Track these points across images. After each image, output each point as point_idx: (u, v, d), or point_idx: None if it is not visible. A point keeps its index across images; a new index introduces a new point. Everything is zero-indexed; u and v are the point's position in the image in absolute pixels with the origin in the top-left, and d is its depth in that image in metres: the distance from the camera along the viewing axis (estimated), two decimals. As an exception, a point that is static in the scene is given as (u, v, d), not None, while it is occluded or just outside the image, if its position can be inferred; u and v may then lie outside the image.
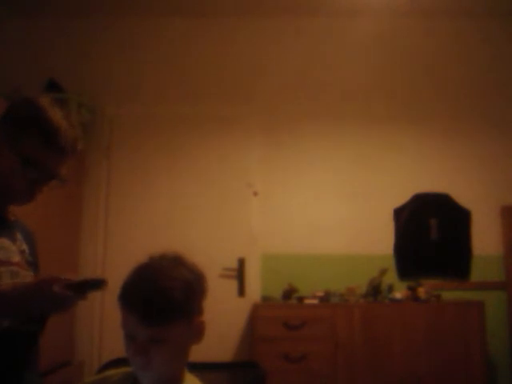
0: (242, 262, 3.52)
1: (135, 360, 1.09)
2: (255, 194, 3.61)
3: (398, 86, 3.74)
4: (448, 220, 3.55)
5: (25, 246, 1.39)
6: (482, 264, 3.49)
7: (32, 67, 3.61)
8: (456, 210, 3.56)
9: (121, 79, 3.74)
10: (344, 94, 3.73)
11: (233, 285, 3.50)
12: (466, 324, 3.03)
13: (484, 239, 3.52)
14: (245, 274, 3.51)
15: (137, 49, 3.78)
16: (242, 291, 3.50)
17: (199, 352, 1.22)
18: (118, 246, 3.54)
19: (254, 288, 3.48)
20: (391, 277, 3.37)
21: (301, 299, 3.19)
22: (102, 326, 3.46)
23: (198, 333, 1.15)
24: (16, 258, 1.32)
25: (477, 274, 3.49)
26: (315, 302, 3.16)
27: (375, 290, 3.23)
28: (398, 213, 3.57)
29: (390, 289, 3.26)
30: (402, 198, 3.58)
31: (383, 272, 3.28)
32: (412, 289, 3.23)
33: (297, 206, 3.59)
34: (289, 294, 3.26)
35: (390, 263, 3.47)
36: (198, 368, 1.21)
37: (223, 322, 3.26)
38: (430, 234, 3.52)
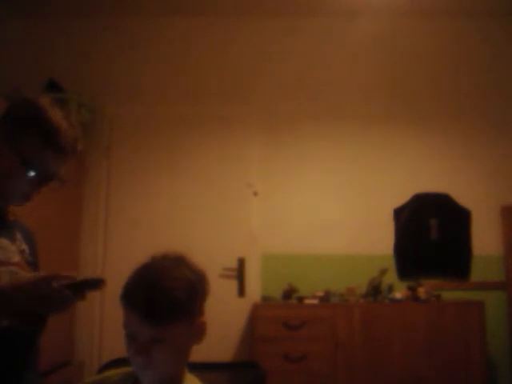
0: (242, 262, 3.52)
1: (136, 360, 1.09)
2: (255, 193, 3.61)
3: (398, 86, 3.74)
4: (448, 220, 3.55)
5: (24, 246, 1.38)
6: (481, 264, 3.49)
7: (32, 67, 3.61)
8: (456, 210, 3.56)
9: (121, 79, 3.74)
10: (344, 94, 3.73)
11: (233, 285, 3.50)
12: (466, 324, 3.03)
13: (484, 239, 3.52)
14: (245, 274, 3.51)
15: (137, 49, 3.78)
16: (242, 291, 3.50)
17: (199, 352, 1.22)
18: (118, 246, 3.54)
19: (254, 288, 3.48)
20: (391, 277, 3.37)
21: (301, 299, 3.19)
22: (102, 326, 3.46)
23: (199, 333, 1.15)
24: (15, 258, 1.31)
25: (477, 274, 3.49)
26: (315, 302, 3.16)
27: (375, 290, 3.24)
28: (398, 213, 3.57)
29: (390, 289, 3.26)
30: (402, 197, 3.58)
31: (383, 272, 3.28)
32: (412, 289, 3.23)
33: (297, 206, 3.59)
34: (289, 293, 3.26)
35: (390, 263, 3.47)
36: (198, 368, 1.21)
37: (223, 322, 3.25)
38: (430, 234, 3.52)
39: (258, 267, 3.52)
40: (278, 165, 3.66)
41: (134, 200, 3.61)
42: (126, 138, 3.69)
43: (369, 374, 2.97)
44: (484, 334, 3.00)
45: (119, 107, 3.71)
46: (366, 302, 3.19)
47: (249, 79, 3.76)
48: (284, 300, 3.26)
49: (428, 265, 3.51)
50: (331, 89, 3.73)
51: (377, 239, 3.52)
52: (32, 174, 1.28)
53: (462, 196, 3.56)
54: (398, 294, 3.21)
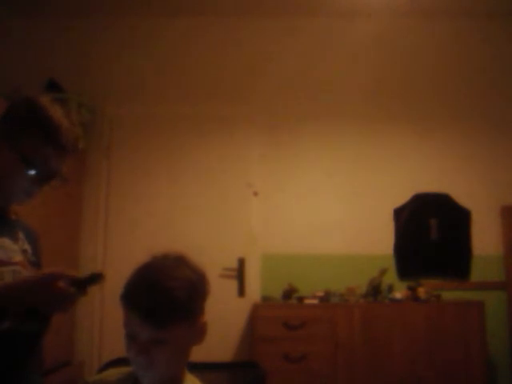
0: (242, 262, 3.52)
1: (137, 360, 1.09)
2: (255, 193, 3.61)
3: (397, 86, 3.74)
4: (448, 220, 3.55)
5: (27, 246, 1.38)
6: (481, 264, 3.49)
7: (32, 67, 3.61)
8: (456, 210, 3.56)
9: (121, 79, 3.74)
10: (344, 94, 3.73)
11: (233, 285, 3.50)
12: (466, 324, 3.03)
13: (484, 239, 3.52)
14: (245, 274, 3.51)
15: (137, 49, 3.78)
16: (242, 291, 3.50)
17: (199, 352, 1.22)
18: (118, 246, 3.54)
19: (254, 288, 3.48)
20: (391, 277, 3.37)
21: (301, 299, 3.19)
22: (102, 326, 3.46)
23: (200, 333, 1.15)
24: (18, 258, 1.31)
25: (477, 274, 3.49)
26: (315, 302, 3.16)
27: (375, 290, 3.23)
28: (398, 213, 3.57)
29: (390, 289, 3.26)
30: (402, 197, 3.58)
31: (383, 272, 3.28)
32: (412, 289, 3.22)
33: (297, 206, 3.59)
34: (289, 293, 3.26)
35: (390, 263, 3.47)
36: (199, 368, 1.21)
37: (223, 322, 3.25)
38: (430, 234, 3.52)
39: (257, 267, 3.52)
40: (278, 165, 3.66)
41: (134, 200, 3.61)
42: (126, 138, 3.69)
43: (369, 374, 2.97)
44: (484, 334, 3.00)
45: (119, 107, 3.71)
46: (365, 302, 3.19)
47: (249, 79, 3.76)
48: (284, 300, 3.26)
49: (428, 265, 3.51)
50: (331, 89, 3.73)
51: (377, 239, 3.52)
52: (33, 172, 1.28)
53: (462, 196, 3.56)
54: (398, 294, 3.21)
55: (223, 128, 3.69)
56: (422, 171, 3.62)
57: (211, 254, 3.34)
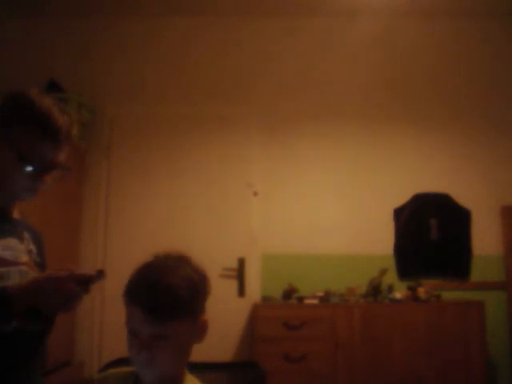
0: (242, 262, 3.52)
1: (138, 357, 1.10)
2: (255, 193, 3.61)
3: (397, 86, 3.74)
4: (448, 220, 3.55)
5: (32, 246, 1.38)
6: (481, 264, 3.49)
7: (32, 67, 3.61)
8: (456, 210, 3.56)
9: (121, 79, 3.74)
10: (344, 94, 3.73)
11: (233, 285, 3.50)
12: (466, 324, 3.03)
13: (484, 239, 3.52)
14: (245, 274, 3.51)
15: (137, 49, 3.78)
16: (242, 291, 3.50)
17: (199, 352, 1.22)
18: (118, 246, 3.54)
19: (254, 288, 3.48)
20: (391, 277, 3.37)
21: (301, 299, 3.19)
22: (102, 326, 3.46)
23: (200, 331, 1.16)
24: (24, 258, 1.31)
25: (477, 274, 3.49)
26: (315, 302, 3.16)
27: (375, 290, 3.24)
28: (398, 213, 3.57)
29: (390, 289, 3.26)
30: (402, 197, 3.58)
31: (383, 272, 3.28)
32: (412, 289, 3.23)
33: (297, 206, 3.59)
34: (289, 293, 3.26)
35: (390, 263, 3.47)
36: (199, 368, 1.21)
37: (223, 322, 3.25)
38: (430, 234, 3.52)
39: (257, 267, 3.52)
40: (278, 165, 3.66)
41: (134, 200, 3.61)
42: (126, 138, 3.69)
43: (369, 374, 2.97)
44: (484, 334, 3.00)
45: (119, 107, 3.71)
46: (366, 302, 3.19)
47: (249, 79, 3.76)
48: (284, 300, 3.26)
49: (428, 265, 3.51)
50: (331, 89, 3.73)
51: (377, 239, 3.52)
52: (30, 168, 1.27)
53: (462, 196, 3.56)
54: (398, 294, 3.21)
55: (223, 128, 3.69)
56: (422, 171, 3.62)
57: (211, 254, 3.34)
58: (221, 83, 3.75)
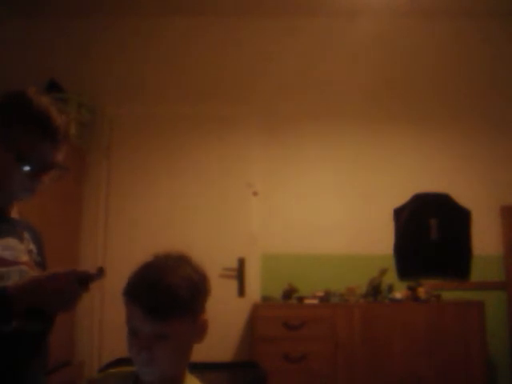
0: (242, 262, 3.52)
1: (138, 357, 1.10)
2: (255, 193, 3.61)
3: (397, 86, 3.74)
4: (448, 220, 3.55)
5: (32, 246, 1.38)
6: (482, 264, 3.49)
7: (32, 67, 3.61)
8: (456, 210, 3.56)
9: (121, 79, 3.74)
10: (344, 94, 3.73)
11: (233, 285, 3.50)
12: (466, 324, 3.03)
13: (484, 239, 3.52)
14: (245, 274, 3.51)
15: (137, 49, 3.78)
16: (242, 291, 3.50)
17: (200, 352, 1.22)
18: (118, 246, 3.54)
19: (254, 288, 3.48)
20: (391, 277, 3.37)
21: (301, 299, 3.19)
22: (102, 326, 3.46)
23: (201, 331, 1.16)
24: (24, 258, 1.31)
25: (477, 274, 3.49)
26: (315, 302, 3.16)
27: (375, 290, 3.24)
28: (398, 213, 3.57)
29: (390, 289, 3.26)
30: (402, 197, 3.58)
31: (383, 272, 3.28)
32: (412, 289, 3.23)
33: (297, 206, 3.59)
34: (289, 293, 3.26)
35: (390, 263, 3.47)
36: (199, 368, 1.21)
37: (223, 322, 3.25)
38: (430, 234, 3.52)
39: (257, 267, 3.52)
40: (278, 165, 3.66)
41: (133, 200, 3.61)
42: (126, 138, 3.69)
43: (369, 374, 2.97)
44: (484, 334, 3.00)
45: (119, 107, 3.71)
46: (366, 302, 3.19)
47: (249, 79, 3.76)
48: (284, 300, 3.26)
49: (428, 265, 3.51)
50: (331, 89, 3.73)
51: (377, 239, 3.52)
52: (27, 168, 1.26)
53: (462, 196, 3.56)
54: (398, 294, 3.21)
55: (223, 128, 3.69)
56: (422, 171, 3.63)
57: (211, 254, 3.33)
58: (221, 83, 3.75)
